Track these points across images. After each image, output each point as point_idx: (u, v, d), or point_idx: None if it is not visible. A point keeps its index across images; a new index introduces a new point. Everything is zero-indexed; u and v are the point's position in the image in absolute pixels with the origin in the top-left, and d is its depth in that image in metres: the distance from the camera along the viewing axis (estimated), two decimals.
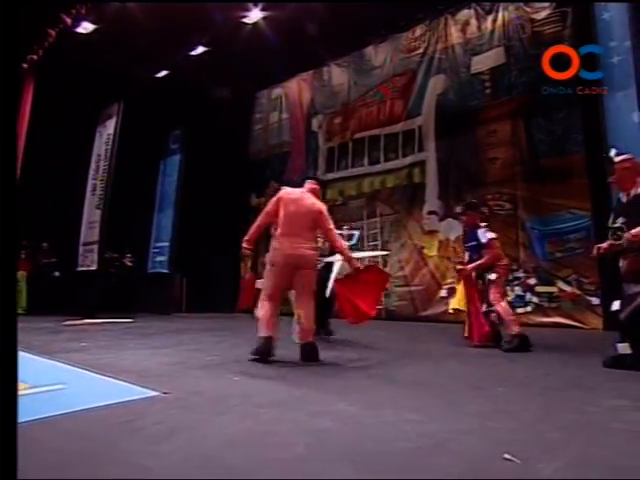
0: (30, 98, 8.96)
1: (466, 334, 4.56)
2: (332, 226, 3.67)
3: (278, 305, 3.57)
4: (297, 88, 10.54)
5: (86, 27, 8.46)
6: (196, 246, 10.66)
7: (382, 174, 8.84)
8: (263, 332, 3.39)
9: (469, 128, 7.64)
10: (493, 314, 4.37)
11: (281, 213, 3.54)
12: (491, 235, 4.46)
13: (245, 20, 8.62)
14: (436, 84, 8.25)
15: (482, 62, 7.65)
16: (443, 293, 7.63)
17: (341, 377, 3.01)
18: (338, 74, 9.83)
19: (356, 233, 5.75)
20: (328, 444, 1.66)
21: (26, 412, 1.95)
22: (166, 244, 10.83)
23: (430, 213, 8.03)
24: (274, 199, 3.65)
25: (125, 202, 10.10)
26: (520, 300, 6.85)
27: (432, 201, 8.03)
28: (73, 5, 7.89)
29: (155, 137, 11.34)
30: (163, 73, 9.81)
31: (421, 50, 8.49)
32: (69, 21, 8.19)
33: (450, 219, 7.59)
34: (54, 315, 7.87)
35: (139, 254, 10.80)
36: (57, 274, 9.89)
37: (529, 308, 6.78)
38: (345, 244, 4.11)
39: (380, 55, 9.15)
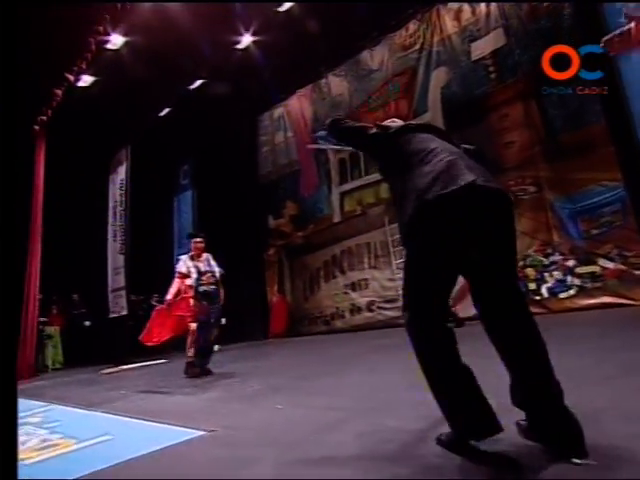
0: (43, 158, 9.19)
1: None
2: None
3: None
4: (298, 104, 10.49)
5: (86, 80, 8.69)
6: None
7: None
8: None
9: (479, 116, 7.37)
10: None
11: None
12: None
13: (237, 46, 8.71)
14: (438, 77, 8.04)
15: (482, 47, 7.40)
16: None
17: (382, 391, 2.86)
18: (337, 84, 9.74)
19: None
20: (378, 467, 1.58)
21: (77, 468, 2.00)
22: None
23: None
24: None
25: (145, 243, 10.18)
26: (561, 284, 6.45)
27: None
28: (74, 62, 8.08)
29: (165, 176, 11.49)
30: (165, 111, 9.95)
31: (417, 46, 8.30)
32: (72, 78, 8.40)
33: None
34: (91, 365, 7.94)
35: (165, 293, 10.80)
36: (88, 324, 10.00)
37: (572, 292, 6.36)
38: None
39: (376, 58, 9.01)
